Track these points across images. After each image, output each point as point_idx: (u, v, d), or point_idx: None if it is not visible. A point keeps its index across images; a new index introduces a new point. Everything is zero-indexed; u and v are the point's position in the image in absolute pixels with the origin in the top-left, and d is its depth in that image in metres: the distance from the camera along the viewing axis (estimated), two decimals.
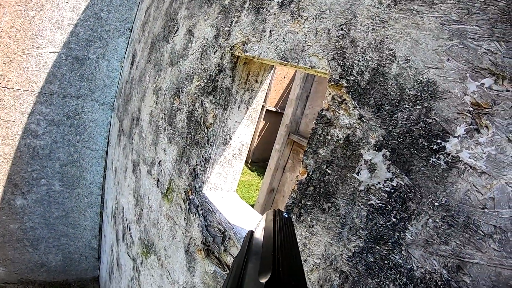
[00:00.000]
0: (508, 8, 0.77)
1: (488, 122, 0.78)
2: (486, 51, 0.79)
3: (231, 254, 1.57)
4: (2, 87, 4.23)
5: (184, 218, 2.00)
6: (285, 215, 0.67)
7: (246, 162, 13.39)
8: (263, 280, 0.41)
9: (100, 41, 4.53)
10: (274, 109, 13.25)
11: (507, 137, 0.75)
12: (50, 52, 4.37)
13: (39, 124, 4.50)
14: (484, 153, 0.78)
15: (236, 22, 1.83)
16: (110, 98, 4.76)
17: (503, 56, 0.76)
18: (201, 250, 1.79)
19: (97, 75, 4.62)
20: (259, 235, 0.59)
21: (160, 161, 2.45)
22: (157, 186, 2.45)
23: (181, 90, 2.26)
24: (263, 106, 12.53)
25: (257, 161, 13.64)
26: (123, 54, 4.66)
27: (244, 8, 1.79)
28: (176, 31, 2.61)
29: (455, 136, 0.83)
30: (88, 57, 4.52)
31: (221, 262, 1.65)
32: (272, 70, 2.02)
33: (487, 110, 0.78)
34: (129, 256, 3.16)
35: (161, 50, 2.85)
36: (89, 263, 5.46)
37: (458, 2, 0.86)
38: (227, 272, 1.60)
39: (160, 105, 2.59)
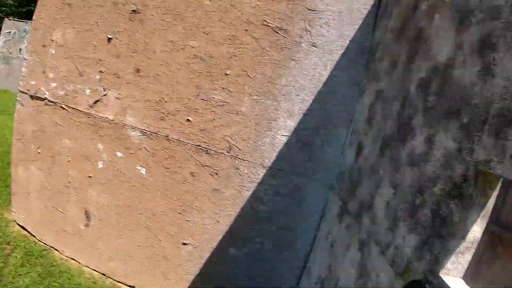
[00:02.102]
0: None
1: None
2: None
3: None
4: (239, 158, 5.37)
5: None
6: None
7: None
8: None
9: (325, 129, 5.35)
10: None
11: None
12: (282, 135, 5.39)
13: (266, 193, 5.50)
14: None
15: (478, 141, 2.21)
16: (329, 180, 5.47)
17: None
18: None
19: (320, 158, 5.41)
20: None
21: (397, 245, 2.91)
22: (391, 266, 2.89)
23: (424, 190, 2.73)
24: None
25: None
26: (343, 142, 5.37)
27: (484, 129, 2.19)
28: (413, 136, 3.11)
29: None
30: (314, 142, 5.38)
31: None
32: None
33: None
34: None
35: (397, 149, 3.37)
36: None
37: None
38: None
39: (399, 198, 3.08)
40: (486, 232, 6.41)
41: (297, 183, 5.50)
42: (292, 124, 5.39)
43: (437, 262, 2.38)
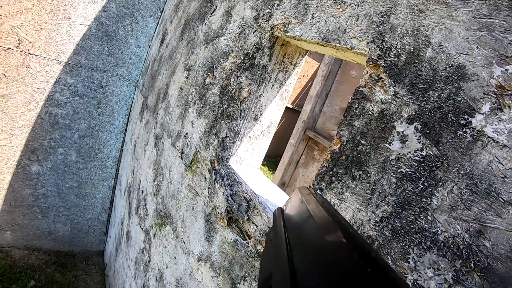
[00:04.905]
0: None
1: (511, 102, 0.87)
2: (511, 42, 0.90)
3: (254, 223, 1.63)
4: (30, 53, 4.32)
5: (208, 187, 2.06)
6: (319, 191, 0.70)
7: None
8: (335, 239, 0.40)
9: (131, 19, 4.61)
10: (291, 106, 13.27)
11: None
12: (81, 25, 4.45)
13: (63, 93, 4.59)
14: (506, 129, 0.87)
15: (278, 5, 1.89)
16: (135, 75, 4.84)
17: None
18: (223, 218, 1.85)
19: (124, 51, 4.70)
20: (295, 208, 0.62)
21: (186, 133, 2.52)
22: (181, 158, 2.51)
23: (216, 66, 2.32)
24: None
25: (269, 156, 13.61)
26: (152, 33, 4.73)
27: None
28: (213, 12, 2.67)
29: (480, 113, 0.92)
30: (117, 33, 4.60)
31: (242, 231, 1.71)
32: (306, 55, 2.07)
33: (510, 91, 0.88)
34: (141, 229, 3.23)
35: (195, 29, 2.91)
36: (96, 236, 5.55)
37: None
38: (248, 241, 1.66)
39: (191, 81, 2.66)
40: (306, 137, 6.76)
41: (97, 81, 4.71)
42: (93, 11, 4.46)
43: (225, 148, 2.04)
